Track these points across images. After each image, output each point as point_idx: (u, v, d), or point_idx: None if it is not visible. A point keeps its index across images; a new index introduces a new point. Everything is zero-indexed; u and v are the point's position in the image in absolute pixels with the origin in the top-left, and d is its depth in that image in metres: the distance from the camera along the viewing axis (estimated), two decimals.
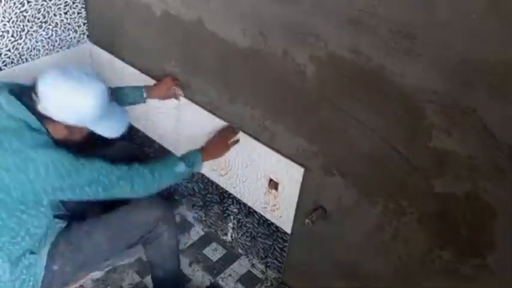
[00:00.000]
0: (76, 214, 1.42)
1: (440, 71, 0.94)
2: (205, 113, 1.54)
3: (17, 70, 1.72)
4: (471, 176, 0.98)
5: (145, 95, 1.58)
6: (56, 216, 1.36)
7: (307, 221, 1.30)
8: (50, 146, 1.17)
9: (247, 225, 1.67)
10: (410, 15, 0.94)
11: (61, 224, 1.36)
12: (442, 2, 0.88)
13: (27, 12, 1.67)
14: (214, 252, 1.84)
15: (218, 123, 1.50)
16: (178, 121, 1.69)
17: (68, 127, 1.23)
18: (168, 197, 1.95)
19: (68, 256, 1.33)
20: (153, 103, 1.78)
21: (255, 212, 1.59)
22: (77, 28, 1.86)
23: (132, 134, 1.96)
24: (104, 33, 1.85)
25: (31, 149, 1.13)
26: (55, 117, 1.19)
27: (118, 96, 1.54)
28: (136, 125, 1.94)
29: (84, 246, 1.35)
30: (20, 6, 1.64)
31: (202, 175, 1.73)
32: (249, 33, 1.28)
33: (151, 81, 1.70)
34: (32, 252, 1.26)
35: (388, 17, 0.97)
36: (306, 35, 1.14)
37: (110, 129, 1.32)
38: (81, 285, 1.58)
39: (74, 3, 1.80)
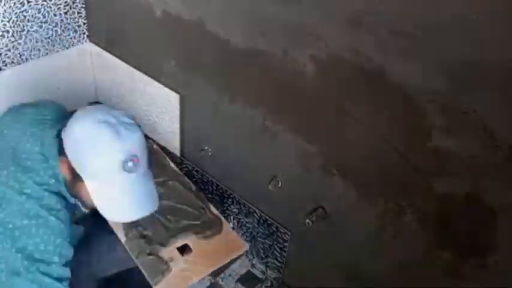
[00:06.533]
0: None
1: (440, 71, 0.94)
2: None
3: (17, 70, 1.72)
4: (471, 176, 0.98)
5: None
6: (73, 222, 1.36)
7: (307, 221, 1.30)
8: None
9: (247, 225, 1.67)
10: (411, 15, 0.94)
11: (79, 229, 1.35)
12: (442, 1, 0.88)
13: (27, 12, 1.66)
14: None
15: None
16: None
17: (71, 168, 1.04)
18: None
19: (85, 267, 1.31)
20: (153, 101, 1.78)
21: (255, 212, 1.59)
22: (77, 28, 1.86)
23: None
24: (104, 33, 1.85)
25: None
26: (65, 148, 1.03)
27: None
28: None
29: (104, 261, 1.34)
30: (20, 6, 1.64)
31: (202, 175, 1.73)
32: (249, 33, 1.28)
33: (151, 82, 1.70)
34: None
35: (388, 17, 0.97)
36: (306, 35, 1.14)
37: (111, 210, 1.06)
38: None
39: (74, 3, 1.80)
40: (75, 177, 1.04)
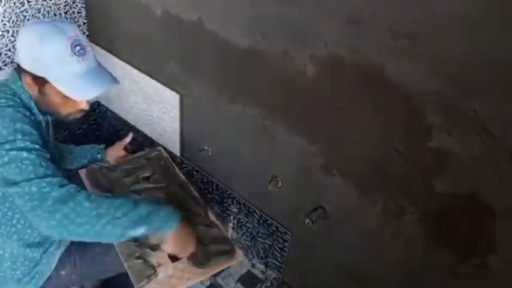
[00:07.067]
0: None
1: (440, 71, 0.94)
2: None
3: None
4: (471, 176, 0.98)
5: (100, 156, 1.64)
6: None
7: (307, 221, 1.30)
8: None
9: (247, 225, 1.67)
10: (410, 15, 0.94)
11: None
12: (442, 1, 0.88)
13: (27, 12, 1.67)
14: None
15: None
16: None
17: (36, 81, 1.13)
18: None
19: (78, 267, 1.33)
20: (153, 101, 1.78)
21: (255, 212, 1.59)
22: None
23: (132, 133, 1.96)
24: (104, 33, 1.85)
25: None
26: (21, 63, 1.13)
27: (77, 153, 1.60)
28: (136, 125, 1.95)
29: (98, 262, 1.34)
30: (20, 6, 1.64)
31: (202, 175, 1.73)
32: (249, 33, 1.28)
33: (151, 82, 1.71)
34: (39, 245, 1.25)
35: (388, 17, 0.97)
36: (306, 35, 1.14)
37: (76, 89, 1.14)
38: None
39: (74, 3, 1.80)
40: (40, 84, 1.14)
